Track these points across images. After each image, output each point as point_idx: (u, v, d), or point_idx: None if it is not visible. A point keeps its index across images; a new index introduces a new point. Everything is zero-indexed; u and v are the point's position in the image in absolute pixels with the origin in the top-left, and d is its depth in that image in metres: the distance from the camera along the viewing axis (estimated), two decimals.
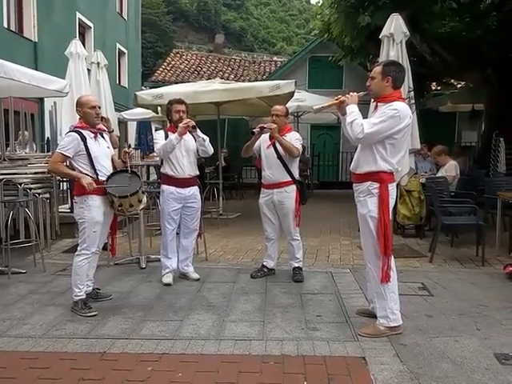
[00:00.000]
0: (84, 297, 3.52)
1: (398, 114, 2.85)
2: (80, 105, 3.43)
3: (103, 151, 3.52)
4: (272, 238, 4.42)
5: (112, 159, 3.64)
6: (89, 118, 3.40)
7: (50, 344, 2.95)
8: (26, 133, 6.40)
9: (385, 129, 2.85)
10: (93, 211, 3.41)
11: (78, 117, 3.56)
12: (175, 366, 2.63)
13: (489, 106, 9.47)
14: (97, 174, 3.43)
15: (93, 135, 3.45)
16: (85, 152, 3.38)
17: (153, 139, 11.78)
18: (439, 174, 6.58)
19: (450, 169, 6.39)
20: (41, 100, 11.43)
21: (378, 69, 3.01)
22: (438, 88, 12.90)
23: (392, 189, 3.00)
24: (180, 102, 4.13)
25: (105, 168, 3.51)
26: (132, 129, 12.84)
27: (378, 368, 2.62)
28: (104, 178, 3.46)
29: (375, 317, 3.15)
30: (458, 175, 6.43)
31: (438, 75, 10.85)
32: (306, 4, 64.04)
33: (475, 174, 7.45)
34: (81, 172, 3.41)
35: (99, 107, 3.47)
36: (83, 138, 3.37)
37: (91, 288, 3.69)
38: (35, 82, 5.27)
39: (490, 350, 2.84)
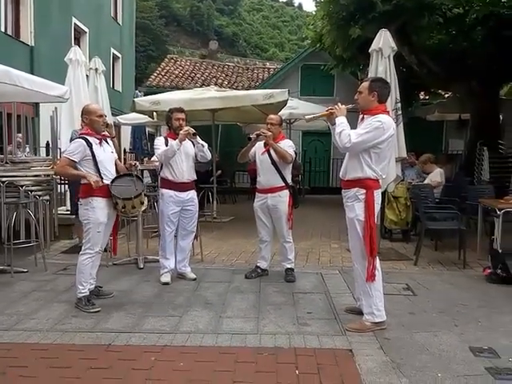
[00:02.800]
0: (87, 294, 3.72)
1: (382, 126, 3.12)
2: (87, 113, 3.64)
3: (108, 156, 3.74)
4: (266, 240, 4.65)
5: (115, 163, 3.86)
6: (95, 125, 3.62)
7: (57, 337, 3.14)
8: (19, 135, 6.55)
9: (370, 139, 3.12)
10: (97, 212, 3.62)
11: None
12: (176, 357, 2.84)
13: (473, 116, 9.83)
14: (102, 178, 3.63)
15: (98, 141, 3.66)
16: (91, 157, 3.59)
17: (147, 143, 12.03)
18: (426, 182, 6.87)
19: (436, 175, 6.69)
20: (36, 104, 11.54)
21: (365, 84, 3.27)
22: (427, 97, 13.30)
23: (377, 195, 3.26)
24: (180, 110, 4.36)
25: (109, 172, 3.72)
26: (125, 133, 13.01)
27: (364, 359, 2.85)
28: (108, 182, 3.67)
29: (362, 314, 3.39)
30: (442, 182, 6.73)
31: (426, 85, 11.22)
32: (298, 11, 64.81)
33: (459, 181, 7.76)
34: None
35: (105, 116, 3.69)
36: (89, 144, 3.58)
37: (94, 286, 3.88)
38: (37, 88, 5.45)
39: (466, 343, 3.09)
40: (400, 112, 5.52)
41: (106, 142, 3.77)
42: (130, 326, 3.33)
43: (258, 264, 4.71)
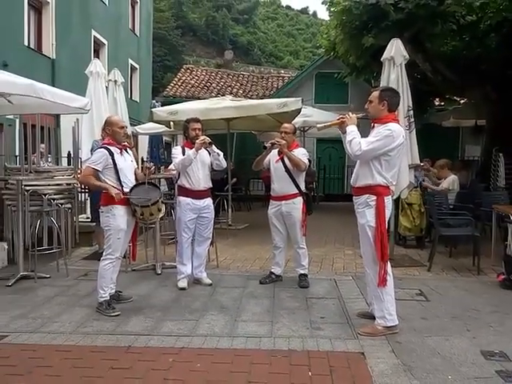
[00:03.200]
0: (108, 298, 3.87)
1: (392, 134, 3.20)
2: (110, 124, 3.83)
3: (128, 165, 3.91)
4: (280, 246, 4.75)
5: (135, 172, 4.02)
6: (117, 136, 3.80)
7: (80, 339, 3.29)
8: (42, 146, 6.81)
9: (380, 147, 3.21)
10: (118, 220, 3.78)
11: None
12: (194, 358, 2.95)
13: (489, 122, 9.80)
14: (122, 186, 3.80)
15: (119, 151, 3.84)
16: (112, 166, 3.76)
17: (164, 152, 12.26)
18: (439, 187, 6.88)
19: (447, 182, 6.71)
20: (57, 115, 11.91)
21: (375, 94, 3.37)
22: (442, 104, 13.26)
23: (387, 201, 3.33)
24: (196, 120, 4.52)
25: (129, 180, 3.89)
26: (143, 142, 13.30)
27: (375, 362, 2.92)
28: (128, 189, 3.83)
29: (374, 318, 3.46)
30: (456, 189, 6.73)
31: (441, 92, 11.21)
32: (313, 18, 64.99)
33: (474, 187, 7.74)
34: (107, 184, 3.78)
35: (126, 127, 3.87)
36: (111, 154, 3.76)
37: (114, 290, 4.03)
38: (60, 100, 5.67)
39: (477, 347, 3.13)
40: (413, 119, 5.57)
41: (127, 151, 3.95)
42: (148, 329, 3.46)
43: (272, 270, 4.81)
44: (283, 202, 4.59)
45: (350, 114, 3.42)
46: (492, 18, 7.42)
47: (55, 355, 3.03)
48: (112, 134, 3.82)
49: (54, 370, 2.82)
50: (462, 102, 12.58)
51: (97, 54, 15.40)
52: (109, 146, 3.79)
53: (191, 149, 4.36)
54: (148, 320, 3.66)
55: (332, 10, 9.31)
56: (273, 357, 2.98)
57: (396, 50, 5.54)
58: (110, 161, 3.74)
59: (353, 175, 3.51)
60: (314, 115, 9.86)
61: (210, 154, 4.53)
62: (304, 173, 4.66)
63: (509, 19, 7.30)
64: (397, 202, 6.29)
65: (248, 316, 3.75)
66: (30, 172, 5.72)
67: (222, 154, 4.54)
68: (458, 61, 8.84)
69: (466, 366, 2.87)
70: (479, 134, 11.76)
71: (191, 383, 2.65)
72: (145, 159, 12.80)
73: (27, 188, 5.26)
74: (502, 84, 8.74)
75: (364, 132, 3.38)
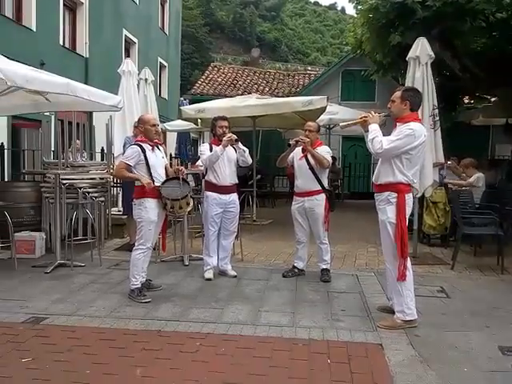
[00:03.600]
0: (139, 286, 4.10)
1: (414, 133, 3.29)
2: (143, 122, 4.06)
3: (159, 161, 4.13)
4: (302, 241, 4.89)
5: (165, 168, 4.24)
6: (149, 133, 4.02)
7: (114, 322, 3.53)
8: (77, 141, 7.14)
9: (401, 145, 3.30)
10: (149, 212, 4.00)
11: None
12: (219, 343, 3.14)
13: None
14: (153, 181, 4.01)
15: (151, 147, 4.05)
16: (144, 162, 3.99)
17: (191, 149, 12.53)
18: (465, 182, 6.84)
19: (473, 178, 6.67)
20: (90, 112, 12.34)
21: (397, 93, 3.46)
22: (471, 102, 13.03)
23: (409, 198, 3.42)
24: (223, 118, 4.70)
25: (159, 175, 4.10)
26: (171, 139, 13.63)
27: (393, 353, 3.03)
28: (159, 184, 4.04)
29: (394, 312, 3.55)
30: (481, 187, 6.68)
31: (470, 90, 11.04)
32: (341, 14, 64.34)
33: (502, 187, 7.65)
34: None
35: (158, 125, 4.08)
36: (143, 150, 3.98)
37: (145, 279, 4.25)
38: (94, 98, 5.95)
39: (495, 343, 3.19)
40: (437, 118, 5.58)
41: (158, 148, 4.16)
42: (177, 316, 3.67)
43: (295, 264, 4.95)
44: (306, 198, 4.71)
45: (373, 112, 3.52)
46: None
47: (92, 336, 3.27)
48: (144, 132, 4.04)
49: (91, 349, 3.06)
50: (493, 100, 12.35)
51: (127, 53, 15.85)
52: (141, 143, 4.02)
53: (218, 146, 4.55)
54: (176, 307, 3.87)
55: (359, 7, 9.33)
56: (294, 344, 3.13)
57: (421, 49, 5.55)
58: (142, 157, 3.96)
59: (375, 173, 3.61)
60: (340, 113, 9.90)
61: (236, 150, 4.70)
62: (327, 170, 4.78)
63: None
64: (421, 200, 6.32)
65: (271, 307, 3.91)
66: (67, 166, 6.04)
67: (247, 150, 4.71)
68: (488, 58, 8.70)
69: (482, 359, 2.95)
70: (510, 132, 11.53)
71: (216, 365, 2.83)
72: (173, 155, 13.15)
73: (64, 182, 5.57)
74: None
75: (390, 130, 3.48)
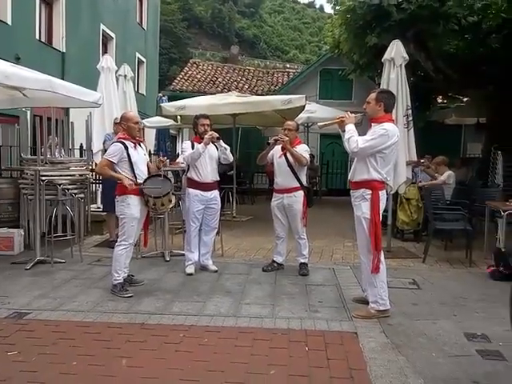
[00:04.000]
0: (122, 281, 4.17)
1: (387, 134, 3.48)
2: (126, 119, 4.12)
3: (141, 158, 4.20)
4: (281, 236, 5.04)
5: (147, 165, 4.31)
6: (132, 131, 4.09)
7: (97, 316, 3.60)
8: (55, 138, 7.09)
9: (375, 145, 3.48)
10: (132, 208, 4.07)
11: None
12: (202, 334, 3.26)
13: (490, 120, 10.01)
14: (135, 177, 4.09)
15: (133, 145, 4.12)
16: (127, 159, 4.05)
17: (171, 145, 12.52)
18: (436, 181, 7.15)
19: (444, 176, 6.99)
20: (66, 109, 12.18)
21: (373, 95, 3.64)
22: (444, 101, 13.44)
23: (382, 195, 3.61)
24: (205, 117, 4.80)
25: (142, 172, 4.18)
26: (149, 135, 13.59)
27: (367, 340, 3.21)
28: (141, 181, 4.12)
29: (368, 303, 3.74)
30: (452, 184, 7.00)
31: (443, 90, 11.41)
32: (319, 12, 64.76)
33: (472, 184, 7.98)
34: None
35: (140, 122, 4.15)
36: (126, 147, 4.04)
37: (127, 274, 4.32)
38: (73, 94, 5.95)
39: (461, 330, 3.42)
40: (411, 118, 5.82)
41: (140, 145, 4.23)
42: (160, 309, 3.77)
43: (275, 258, 5.10)
44: (285, 194, 4.86)
45: (349, 113, 3.68)
46: (492, 19, 7.61)
47: (76, 330, 3.33)
48: (127, 129, 4.11)
49: (76, 342, 3.12)
50: (465, 100, 12.77)
51: (105, 48, 15.66)
52: (124, 140, 4.08)
53: (200, 143, 4.64)
54: (159, 301, 3.97)
55: (337, 8, 9.53)
56: (273, 334, 3.28)
57: (396, 52, 5.77)
58: (125, 154, 4.03)
59: (351, 171, 3.79)
60: (318, 111, 10.10)
61: (217, 148, 4.80)
62: (305, 168, 4.93)
63: (509, 21, 7.49)
64: (395, 196, 6.57)
65: (251, 299, 4.05)
66: (46, 163, 6.01)
67: (228, 148, 4.82)
68: (460, 60, 9.02)
69: (449, 345, 3.16)
70: (481, 131, 11.97)
71: (200, 355, 2.95)
72: (152, 152, 13.12)
73: (43, 178, 5.55)
74: (504, 83, 8.93)
75: (365, 129, 3.64)
